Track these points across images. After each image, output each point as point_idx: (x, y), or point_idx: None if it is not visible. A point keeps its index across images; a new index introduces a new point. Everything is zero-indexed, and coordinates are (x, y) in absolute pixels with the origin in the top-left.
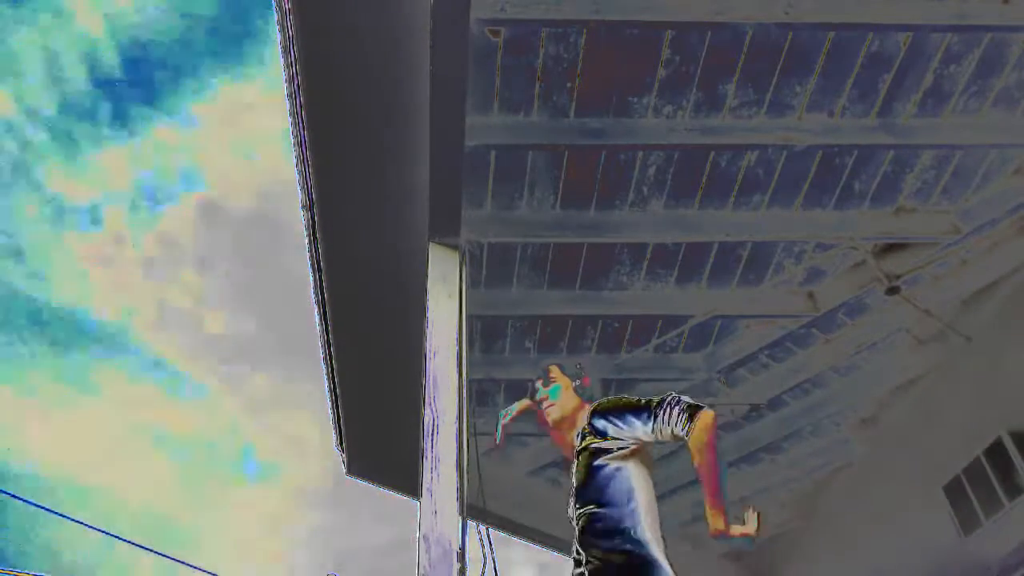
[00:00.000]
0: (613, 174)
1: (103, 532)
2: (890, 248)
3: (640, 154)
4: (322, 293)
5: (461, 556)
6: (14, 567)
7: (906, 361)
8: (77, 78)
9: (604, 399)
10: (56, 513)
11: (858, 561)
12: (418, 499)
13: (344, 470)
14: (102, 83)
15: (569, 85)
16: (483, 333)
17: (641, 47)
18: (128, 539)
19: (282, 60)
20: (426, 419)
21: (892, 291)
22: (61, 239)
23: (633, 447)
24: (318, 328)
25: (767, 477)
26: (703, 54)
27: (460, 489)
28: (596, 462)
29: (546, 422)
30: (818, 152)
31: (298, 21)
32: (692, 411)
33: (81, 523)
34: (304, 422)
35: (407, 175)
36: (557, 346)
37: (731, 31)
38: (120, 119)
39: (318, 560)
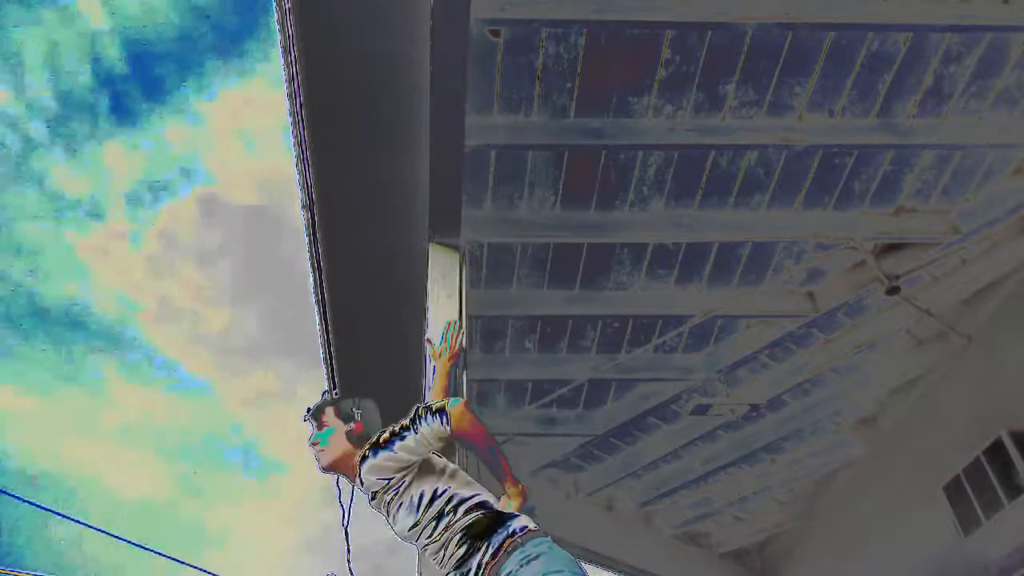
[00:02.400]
0: (613, 174)
1: (103, 532)
2: (890, 248)
3: (640, 154)
4: (322, 293)
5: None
6: (14, 567)
7: (906, 361)
8: (79, 73)
9: (369, 442)
10: (56, 513)
11: (858, 561)
12: None
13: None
14: (104, 77)
15: (569, 85)
16: (483, 333)
17: (641, 47)
18: (128, 539)
19: (282, 60)
20: None
21: (892, 291)
22: (62, 234)
23: (409, 479)
24: (318, 328)
25: (767, 477)
26: (703, 54)
27: None
28: (392, 511)
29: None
30: (818, 152)
31: (298, 21)
32: (441, 411)
33: (81, 523)
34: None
35: (407, 175)
36: (557, 346)
37: (731, 31)
38: (122, 114)
39: (319, 559)
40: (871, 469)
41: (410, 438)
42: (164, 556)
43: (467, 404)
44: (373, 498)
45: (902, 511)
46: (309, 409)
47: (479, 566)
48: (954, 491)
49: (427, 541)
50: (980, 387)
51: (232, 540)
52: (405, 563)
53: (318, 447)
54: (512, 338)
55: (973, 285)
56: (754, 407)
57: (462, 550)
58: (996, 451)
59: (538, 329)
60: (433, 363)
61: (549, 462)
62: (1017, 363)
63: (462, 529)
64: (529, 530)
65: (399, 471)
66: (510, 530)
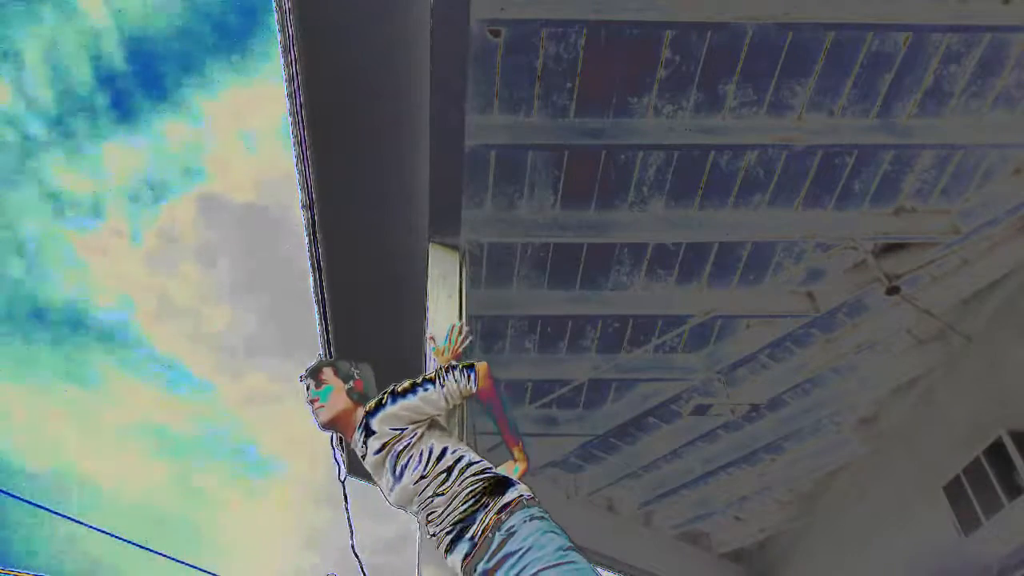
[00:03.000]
0: (613, 174)
1: (103, 532)
2: (890, 248)
3: (640, 154)
4: (322, 293)
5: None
6: (14, 567)
7: (906, 361)
8: (80, 71)
9: (380, 393)
10: (56, 513)
11: (858, 561)
12: None
13: (344, 470)
14: (105, 76)
15: (569, 85)
16: (483, 333)
17: (641, 47)
18: (128, 539)
19: (282, 60)
20: None
21: (892, 291)
22: (62, 233)
23: (421, 431)
24: (318, 328)
25: (767, 477)
26: (703, 54)
27: None
28: (400, 463)
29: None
30: (818, 152)
31: (298, 21)
32: (469, 368)
33: (81, 523)
34: (307, 416)
35: (407, 175)
36: (557, 346)
37: (731, 31)
38: (123, 112)
39: (318, 558)
40: (871, 469)
41: (433, 391)
42: (164, 556)
43: (488, 369)
44: (379, 451)
45: (902, 511)
46: (307, 368)
47: (484, 520)
48: (954, 491)
49: (432, 494)
50: (980, 387)
51: (231, 539)
52: (406, 562)
53: (317, 403)
54: (512, 338)
55: (973, 285)
56: (754, 407)
57: (468, 504)
58: (996, 451)
59: (538, 329)
60: (436, 361)
61: (549, 462)
62: (1017, 363)
63: (472, 484)
64: (532, 497)
65: (413, 423)
66: (519, 492)
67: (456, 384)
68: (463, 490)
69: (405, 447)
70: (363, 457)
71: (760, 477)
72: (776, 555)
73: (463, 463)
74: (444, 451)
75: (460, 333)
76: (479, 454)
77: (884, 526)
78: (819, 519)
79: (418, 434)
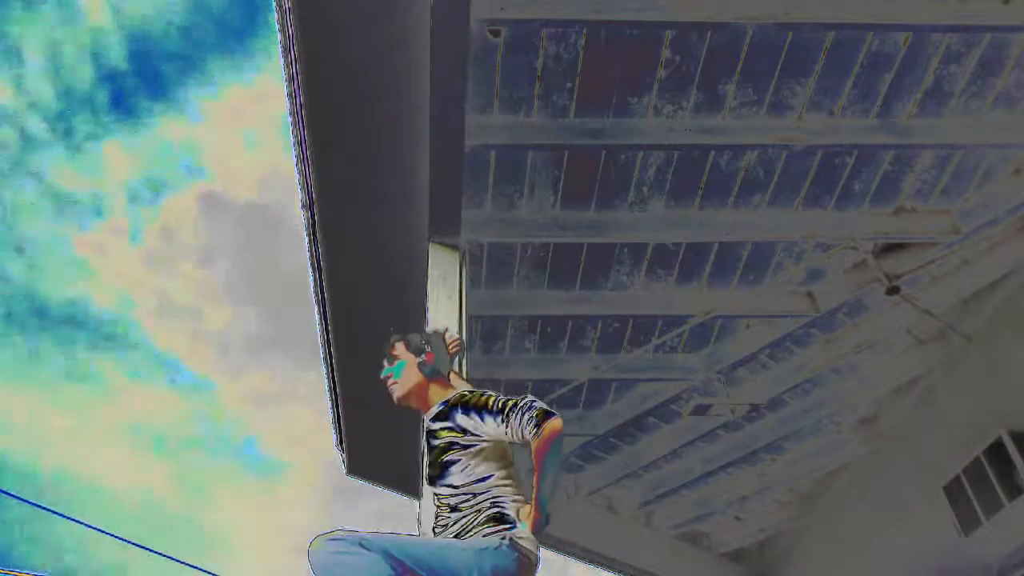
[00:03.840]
0: (613, 174)
1: (102, 532)
2: (890, 248)
3: (640, 154)
4: (322, 293)
5: None
6: (14, 567)
7: (906, 361)
8: (81, 69)
9: (469, 393)
10: (56, 513)
11: (858, 561)
12: (418, 499)
13: (344, 471)
14: (105, 74)
15: (569, 85)
16: (483, 333)
17: (641, 47)
18: (128, 539)
19: (282, 60)
20: (426, 419)
21: (892, 291)
22: (62, 231)
23: (484, 445)
24: (318, 328)
25: (767, 477)
26: (703, 54)
27: None
28: (448, 457)
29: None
30: (818, 152)
31: (298, 21)
32: (541, 418)
33: (80, 523)
34: (307, 416)
35: (407, 175)
36: (557, 346)
37: (731, 31)
38: (123, 110)
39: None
40: (871, 469)
41: (491, 423)
42: (164, 556)
43: (560, 431)
44: (438, 441)
45: (902, 511)
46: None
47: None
48: (954, 491)
49: (452, 505)
50: (980, 387)
51: (232, 538)
52: None
53: (391, 380)
54: (512, 338)
55: (973, 285)
56: (754, 407)
57: (469, 528)
58: (996, 451)
59: (538, 329)
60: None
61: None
62: (1017, 363)
63: (484, 516)
64: (524, 543)
65: (470, 436)
66: (511, 530)
67: (519, 427)
68: (475, 518)
69: (460, 451)
70: (428, 432)
71: (760, 477)
72: (776, 555)
73: (491, 495)
74: (487, 478)
75: (454, 344)
76: (517, 486)
77: (884, 526)
78: (819, 519)
79: (476, 447)
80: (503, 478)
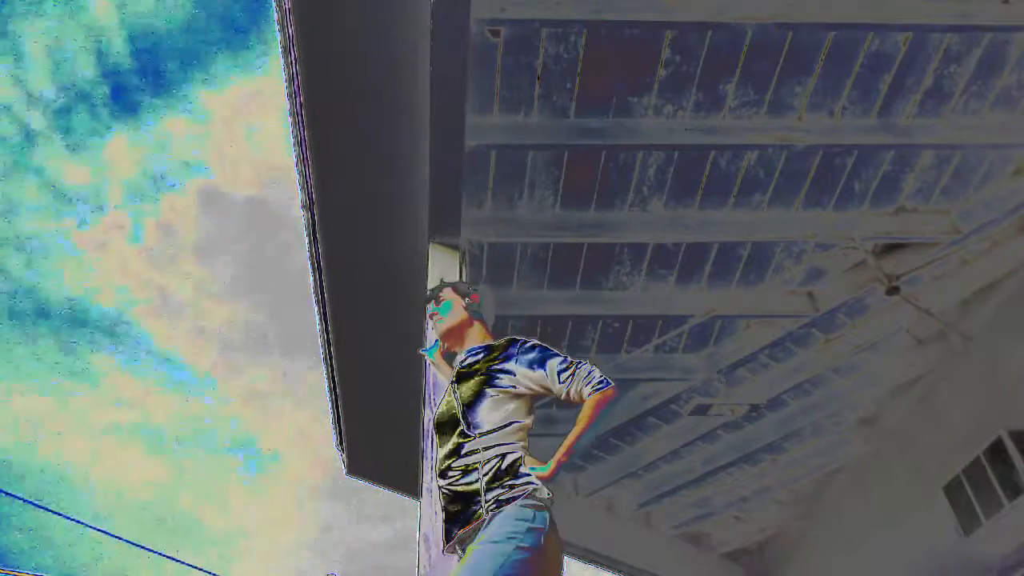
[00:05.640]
0: (613, 174)
1: (102, 532)
2: (890, 248)
3: (640, 154)
4: (322, 293)
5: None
6: (14, 567)
7: (906, 361)
8: (82, 64)
9: (527, 339)
10: (56, 513)
11: (858, 561)
12: (418, 499)
13: (344, 470)
14: (107, 69)
15: (569, 85)
16: None
17: (641, 47)
18: (128, 539)
19: (282, 60)
20: (426, 419)
21: (892, 291)
22: (61, 227)
23: (522, 391)
24: (318, 328)
25: (767, 477)
26: (703, 54)
27: None
28: (484, 389)
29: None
30: (818, 152)
31: (298, 21)
32: (601, 381)
33: (80, 523)
34: (307, 414)
35: (407, 175)
36: (557, 346)
37: (731, 31)
38: (124, 106)
39: (320, 556)
40: (871, 469)
41: (547, 373)
42: (164, 556)
43: (615, 396)
44: (474, 372)
45: (902, 511)
46: (430, 290)
47: (485, 504)
48: (954, 491)
49: (468, 443)
50: (980, 387)
51: (231, 537)
52: (407, 561)
53: (437, 316)
54: None
55: (973, 285)
56: (754, 407)
57: (481, 478)
58: (996, 451)
59: (538, 329)
60: (434, 369)
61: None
62: (1017, 363)
63: (494, 460)
64: (538, 493)
65: (512, 378)
66: (532, 485)
67: (582, 381)
68: (485, 465)
69: (495, 390)
70: (462, 369)
71: (760, 477)
72: (776, 555)
73: (506, 446)
74: (511, 423)
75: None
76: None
77: (884, 526)
78: (819, 519)
79: (517, 390)
80: (521, 428)
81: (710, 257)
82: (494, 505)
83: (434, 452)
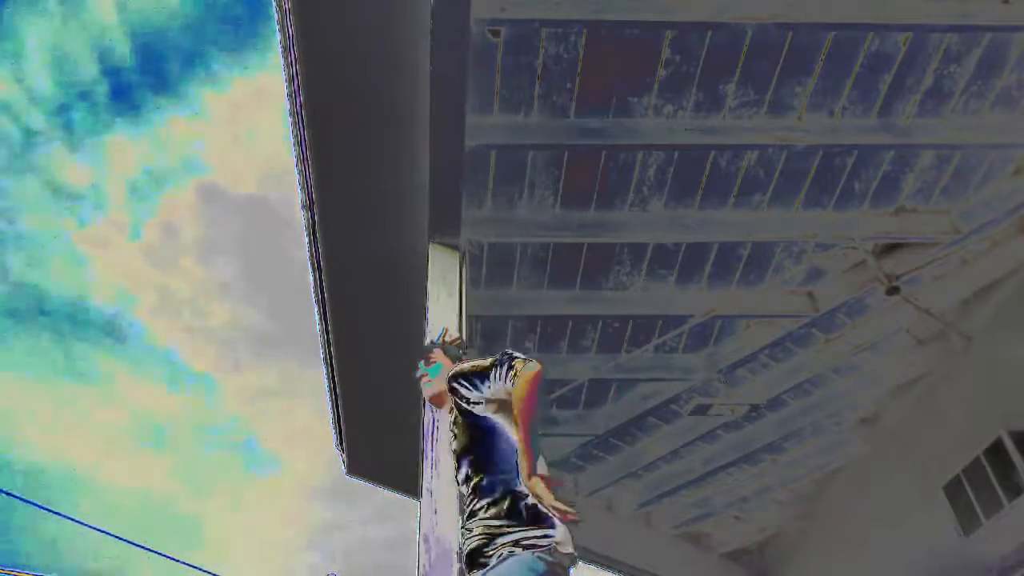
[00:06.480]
0: (613, 174)
1: (102, 532)
2: (890, 248)
3: (640, 154)
4: (322, 293)
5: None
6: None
7: (906, 361)
8: (83, 63)
9: (459, 367)
10: (56, 512)
11: (858, 561)
12: (418, 499)
13: (344, 470)
14: (108, 68)
15: (569, 85)
16: (483, 333)
17: (641, 47)
18: (128, 539)
19: (282, 60)
20: (426, 419)
21: (892, 291)
22: (62, 225)
23: (489, 407)
24: (318, 328)
25: (767, 477)
26: (703, 54)
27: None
28: (470, 420)
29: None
30: (818, 152)
31: (298, 21)
32: (516, 365)
33: (80, 523)
34: (307, 412)
35: (407, 175)
36: (557, 346)
37: (731, 31)
38: (125, 105)
39: (320, 556)
40: (871, 469)
41: (486, 384)
42: (164, 556)
43: (538, 375)
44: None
45: (902, 511)
46: (424, 347)
47: (500, 546)
48: (954, 491)
49: (474, 504)
50: (980, 387)
51: (231, 536)
52: (406, 560)
53: (426, 379)
54: (512, 338)
55: (973, 285)
56: (754, 407)
57: (497, 524)
58: (996, 451)
59: (538, 329)
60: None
61: (549, 462)
62: (1017, 363)
63: (508, 510)
64: (558, 548)
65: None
66: (551, 538)
67: (500, 381)
68: (486, 513)
69: (474, 407)
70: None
71: (760, 477)
72: (776, 555)
73: (498, 485)
74: (512, 452)
75: (454, 342)
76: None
77: (884, 526)
78: (819, 519)
79: (484, 407)
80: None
81: (710, 257)
82: (512, 546)
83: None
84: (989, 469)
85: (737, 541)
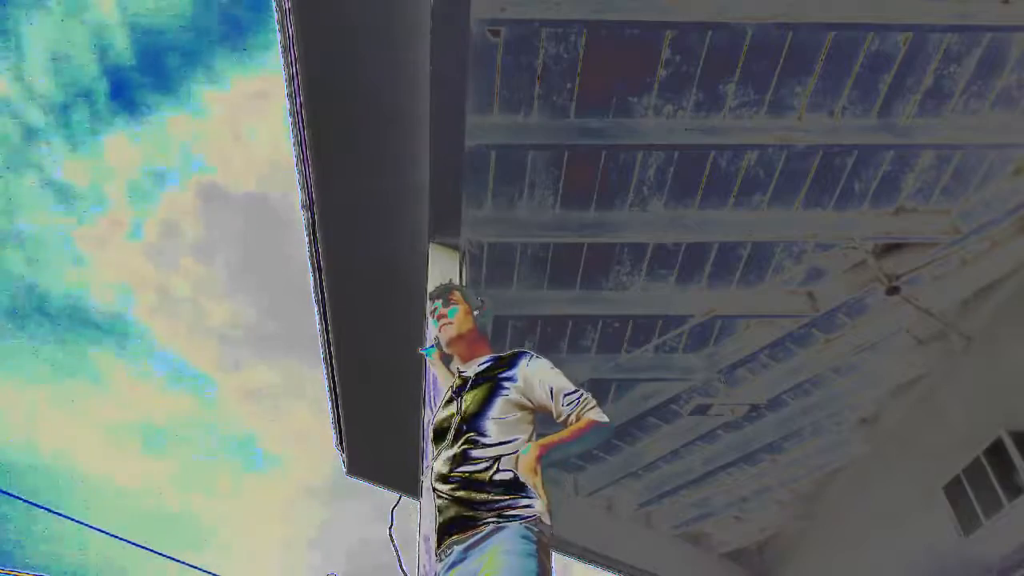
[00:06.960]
0: (613, 174)
1: (102, 532)
2: (890, 248)
3: (640, 154)
4: (322, 293)
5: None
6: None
7: (906, 361)
8: (83, 60)
9: (528, 354)
10: (56, 512)
11: (858, 561)
12: (418, 499)
13: (344, 470)
14: (108, 67)
15: (569, 85)
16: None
17: (641, 47)
18: (128, 539)
19: (282, 60)
20: (426, 419)
21: (892, 291)
22: (62, 224)
23: (527, 404)
24: (318, 328)
25: (767, 477)
26: (703, 54)
27: None
28: (492, 396)
29: (442, 342)
30: (818, 152)
31: (298, 21)
32: (592, 410)
33: (80, 523)
34: (307, 412)
35: (407, 175)
36: (557, 346)
37: (731, 31)
38: (125, 103)
39: (317, 556)
40: (871, 469)
41: (550, 394)
42: (164, 556)
43: (600, 425)
44: (484, 380)
45: (902, 511)
46: (436, 289)
47: (486, 516)
48: (954, 491)
49: (475, 451)
50: (980, 387)
51: (231, 535)
52: (407, 561)
53: (446, 319)
54: (512, 338)
55: (973, 285)
56: (754, 407)
57: (482, 493)
58: (996, 451)
59: (538, 329)
60: (433, 369)
61: (549, 462)
62: (1017, 363)
63: (501, 482)
64: (538, 519)
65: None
66: (534, 509)
67: (577, 407)
68: (494, 472)
69: (504, 395)
70: (464, 381)
71: (760, 477)
72: (776, 555)
73: (502, 463)
74: (514, 439)
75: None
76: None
77: (884, 526)
78: (819, 519)
79: (520, 402)
80: (525, 443)
81: (710, 257)
82: (496, 517)
83: (431, 454)
84: (989, 469)
85: (737, 541)
